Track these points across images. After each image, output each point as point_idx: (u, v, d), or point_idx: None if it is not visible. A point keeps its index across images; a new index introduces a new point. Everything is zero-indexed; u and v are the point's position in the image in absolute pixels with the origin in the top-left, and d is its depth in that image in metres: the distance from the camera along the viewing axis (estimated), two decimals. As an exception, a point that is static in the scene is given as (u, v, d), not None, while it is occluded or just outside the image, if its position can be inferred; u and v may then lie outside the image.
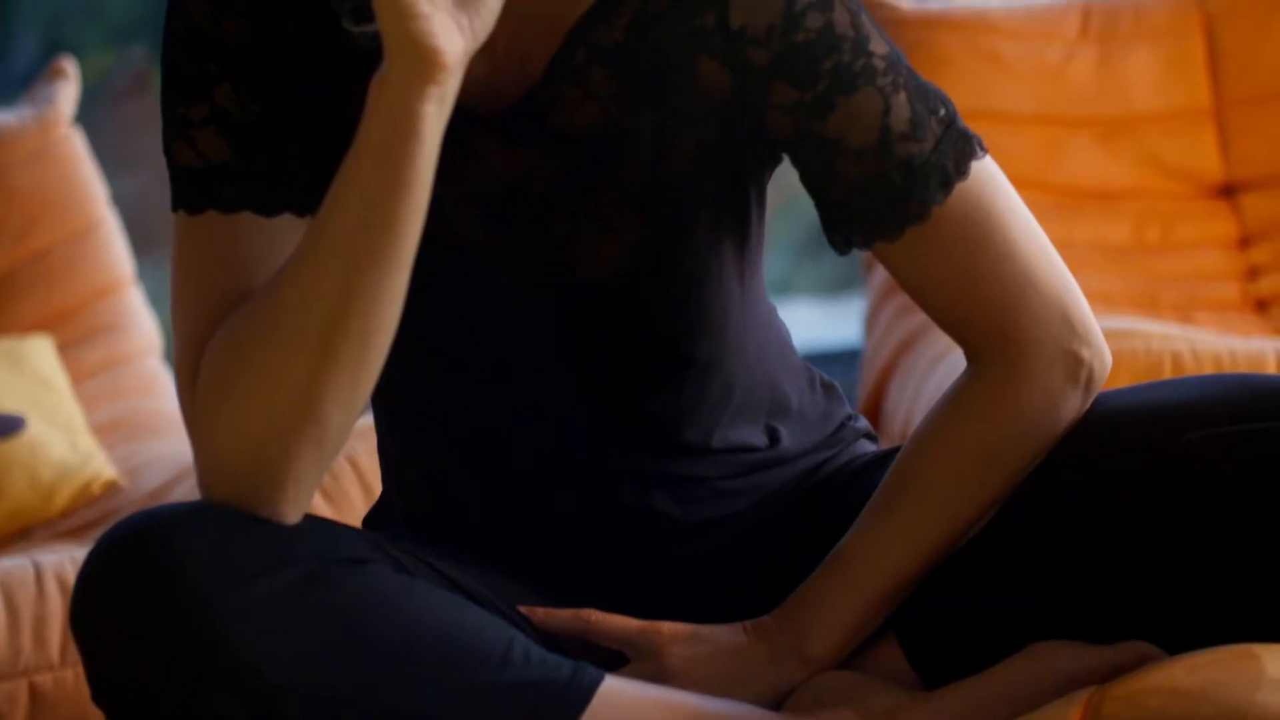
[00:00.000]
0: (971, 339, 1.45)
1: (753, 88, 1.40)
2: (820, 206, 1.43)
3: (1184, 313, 2.97)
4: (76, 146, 2.98)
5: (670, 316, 1.46)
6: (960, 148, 1.40)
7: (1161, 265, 3.07)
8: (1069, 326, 1.43)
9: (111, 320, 2.94)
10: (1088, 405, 1.45)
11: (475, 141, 1.42)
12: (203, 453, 1.35)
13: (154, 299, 3.11)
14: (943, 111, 1.41)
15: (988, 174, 1.42)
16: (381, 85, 1.27)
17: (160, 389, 2.90)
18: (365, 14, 1.33)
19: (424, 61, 1.26)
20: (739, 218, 1.46)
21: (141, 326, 2.97)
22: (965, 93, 3.10)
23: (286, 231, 1.40)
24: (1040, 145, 3.14)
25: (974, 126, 3.33)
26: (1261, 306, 3.01)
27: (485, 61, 1.38)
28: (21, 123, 2.95)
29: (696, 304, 1.45)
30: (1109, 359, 1.46)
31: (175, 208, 1.40)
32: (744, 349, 1.50)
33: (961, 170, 1.40)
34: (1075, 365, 1.44)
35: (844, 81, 1.38)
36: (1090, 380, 1.45)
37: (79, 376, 2.86)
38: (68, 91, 3.00)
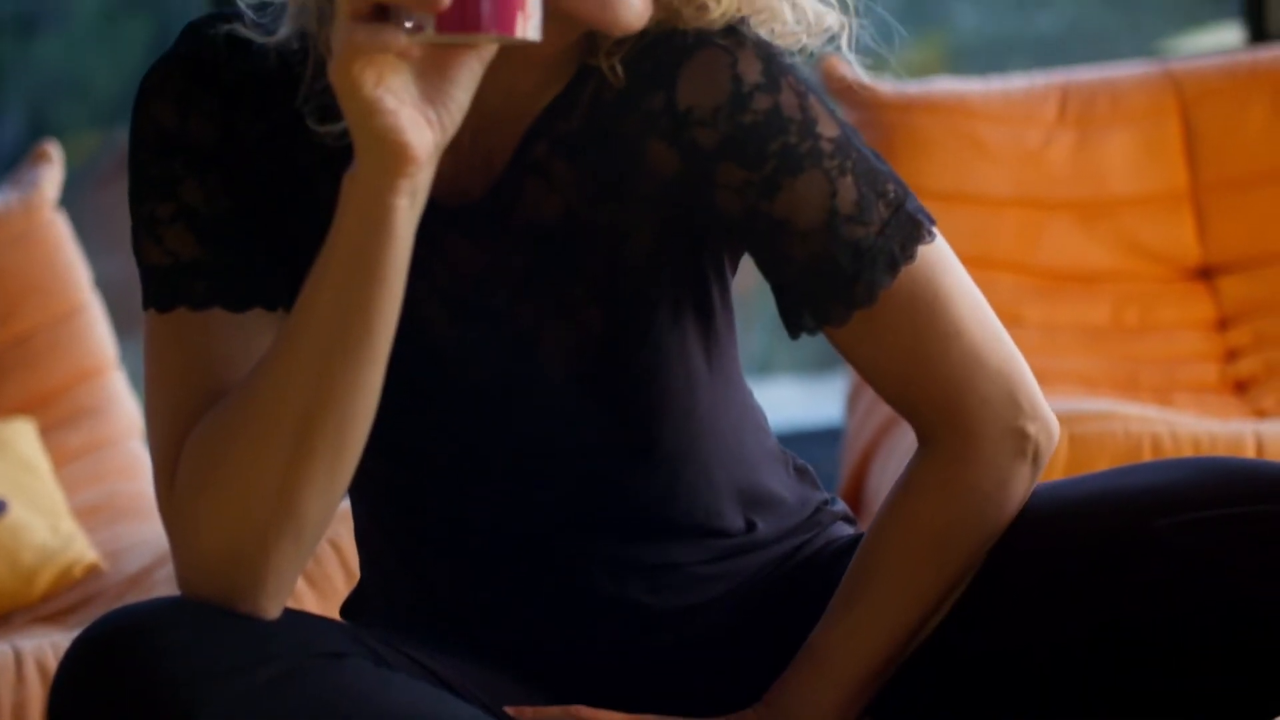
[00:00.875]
0: (922, 419, 1.46)
1: (701, 168, 1.41)
2: (774, 289, 1.44)
3: (1163, 394, 2.98)
4: (61, 230, 2.99)
5: (636, 403, 1.46)
6: (908, 231, 1.41)
7: (1141, 347, 3.09)
8: (1015, 404, 1.44)
9: (94, 403, 2.94)
10: (1037, 478, 1.47)
11: (441, 236, 1.42)
12: (181, 549, 1.35)
13: (136, 380, 3.11)
14: (892, 194, 1.41)
15: (936, 255, 1.42)
16: (353, 182, 1.27)
17: (142, 472, 2.90)
18: (331, 112, 1.34)
19: (394, 156, 1.25)
20: (701, 300, 1.46)
21: (124, 409, 2.98)
22: (945, 175, 3.12)
23: (258, 327, 1.39)
24: (1020, 228, 3.16)
25: (954, 209, 3.37)
26: (1240, 388, 3.02)
27: (450, 157, 1.38)
28: (6, 206, 2.96)
29: (661, 388, 1.45)
30: (1056, 430, 1.47)
31: (146, 306, 1.40)
32: (717, 433, 1.50)
33: (908, 253, 1.40)
34: (1022, 441, 1.45)
35: (790, 163, 1.39)
36: (1038, 454, 1.46)
37: (61, 459, 2.86)
38: (52, 175, 3.01)
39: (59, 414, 2.91)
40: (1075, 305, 3.13)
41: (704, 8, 1.39)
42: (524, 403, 1.46)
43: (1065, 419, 2.60)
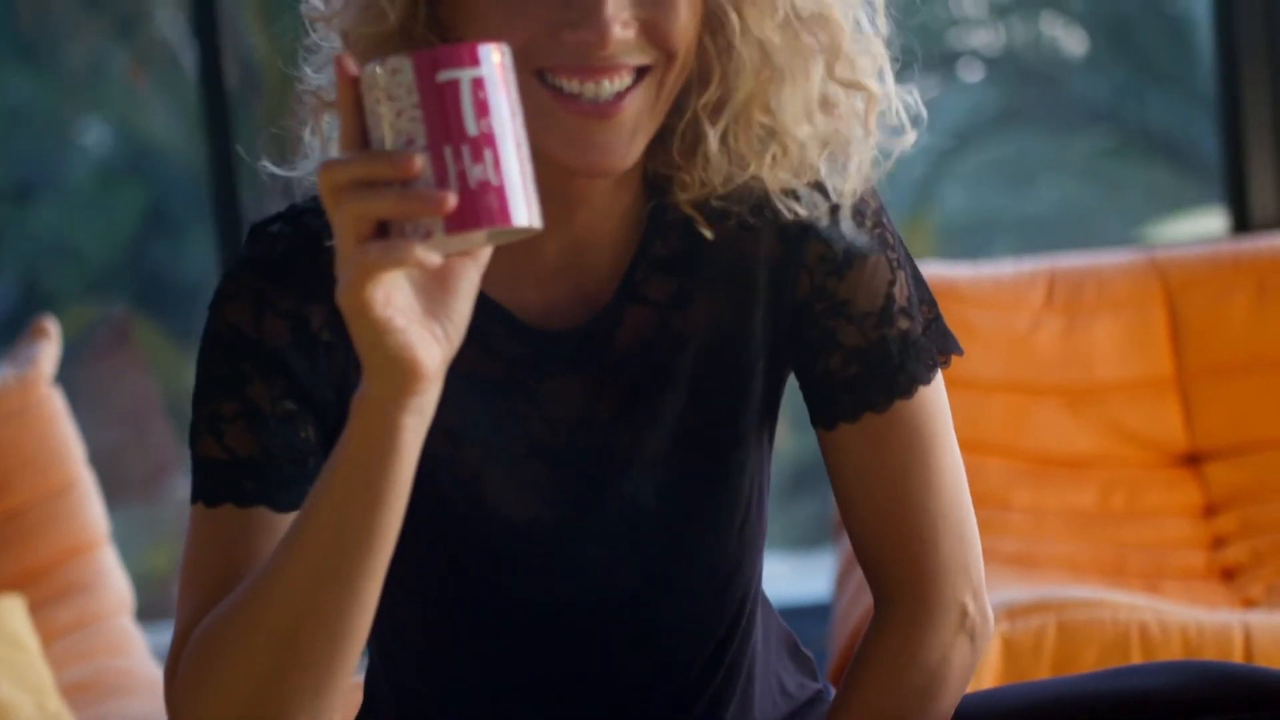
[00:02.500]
0: (882, 571, 1.49)
1: (792, 249, 1.46)
2: (814, 379, 1.48)
3: (1151, 581, 2.98)
4: (56, 406, 3.00)
5: (718, 547, 1.49)
6: (943, 338, 1.48)
7: (1128, 533, 3.09)
8: (966, 575, 1.49)
9: (84, 579, 2.94)
10: (976, 661, 1.50)
11: (537, 382, 1.45)
12: None
13: (123, 548, 3.11)
14: (931, 301, 1.49)
15: (942, 394, 1.49)
16: (361, 401, 1.25)
17: (131, 648, 2.89)
18: None
19: (405, 375, 1.23)
20: (770, 434, 1.51)
21: (114, 585, 2.97)
22: (933, 359, 3.15)
23: None
24: (1008, 412, 3.17)
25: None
26: (1227, 575, 3.03)
27: (538, 293, 1.43)
28: (3, 382, 2.97)
29: (743, 524, 1.49)
30: (991, 620, 1.51)
31: (194, 500, 1.41)
32: (759, 578, 1.54)
33: (944, 358, 1.48)
34: (964, 617, 1.49)
35: (862, 246, 1.46)
36: (974, 634, 1.50)
37: (50, 635, 2.85)
38: (49, 351, 3.03)
39: (49, 590, 2.91)
40: (1063, 490, 3.14)
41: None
42: (602, 542, 1.48)
43: (1053, 606, 2.60)
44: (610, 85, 1.35)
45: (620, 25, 1.34)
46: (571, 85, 1.35)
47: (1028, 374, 3.18)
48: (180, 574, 1.41)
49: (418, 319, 1.23)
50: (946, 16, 4.67)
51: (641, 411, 1.46)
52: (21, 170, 4.69)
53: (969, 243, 4.80)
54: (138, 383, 4.46)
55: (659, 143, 1.43)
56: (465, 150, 1.20)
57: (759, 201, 1.44)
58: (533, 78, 1.34)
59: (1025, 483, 3.13)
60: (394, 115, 1.20)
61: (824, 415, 1.48)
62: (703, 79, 1.40)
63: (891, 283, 1.46)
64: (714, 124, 1.40)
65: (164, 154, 4.80)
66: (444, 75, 1.20)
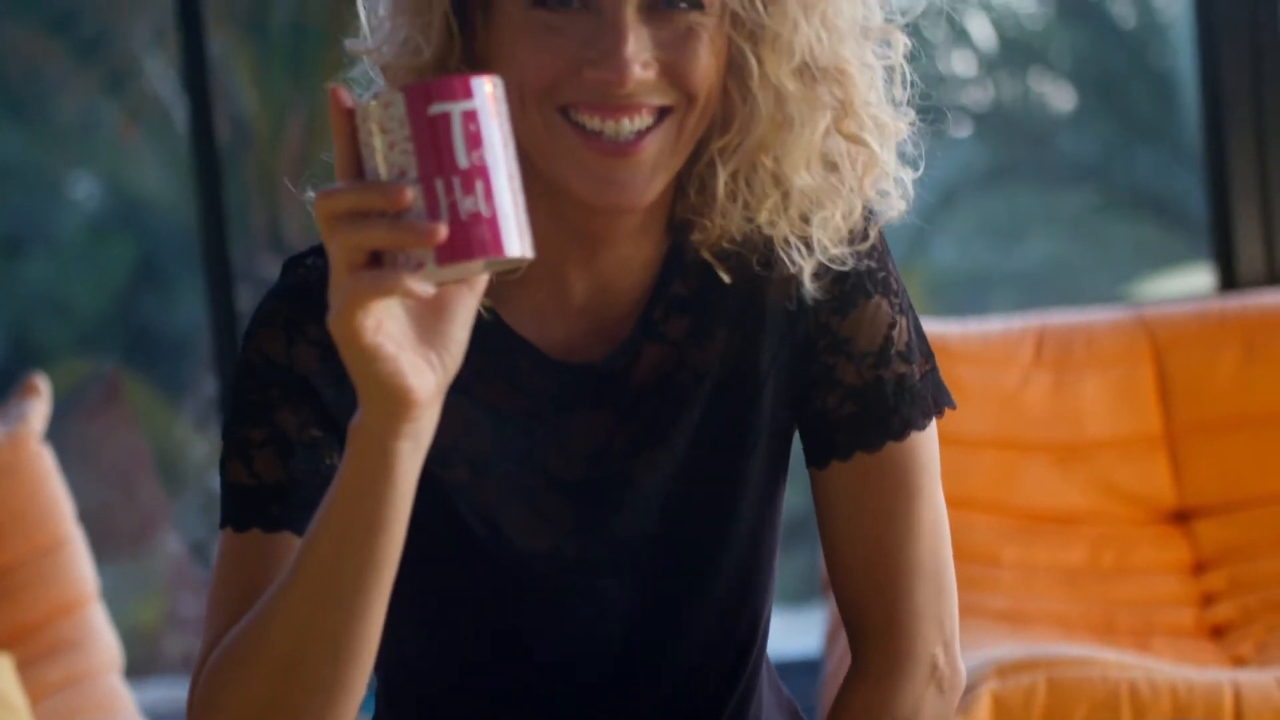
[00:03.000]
0: (861, 619, 1.51)
1: (801, 289, 1.48)
2: (811, 416, 1.51)
3: (1140, 638, 2.98)
4: (46, 463, 3.01)
5: (724, 578, 1.51)
6: (938, 390, 1.51)
7: (1117, 590, 3.09)
8: (940, 628, 1.51)
9: (73, 636, 2.93)
10: (946, 712, 1.52)
11: (557, 418, 1.48)
12: None
13: (112, 603, 3.11)
14: (930, 353, 1.52)
15: (933, 445, 1.51)
16: (356, 429, 1.27)
17: (120, 706, 2.89)
18: None
19: (396, 402, 1.24)
20: (780, 480, 1.54)
21: (103, 643, 2.97)
22: (923, 416, 3.15)
23: None
24: (997, 468, 3.18)
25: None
26: (1217, 633, 3.02)
27: (563, 329, 1.46)
28: (-7, 439, 2.98)
29: (751, 562, 1.52)
30: (963, 675, 1.53)
31: (223, 524, 1.44)
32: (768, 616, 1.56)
33: (939, 408, 1.51)
34: (934, 668, 1.51)
35: (866, 286, 1.49)
36: (944, 686, 1.51)
37: (38, 694, 2.85)
38: (40, 409, 3.03)
39: (38, 648, 2.90)
40: (1052, 546, 3.14)
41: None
42: (614, 574, 1.50)
43: (1043, 663, 2.60)
44: (630, 124, 1.38)
45: (640, 65, 1.37)
46: (593, 123, 1.38)
47: (1017, 430, 3.19)
48: (208, 595, 1.44)
49: (410, 346, 1.24)
50: (935, 73, 4.69)
51: (657, 442, 1.49)
52: (11, 224, 4.69)
53: (958, 297, 4.81)
54: (127, 439, 4.46)
55: (681, 187, 1.47)
56: (456, 182, 1.21)
57: (770, 248, 1.47)
58: (556, 114, 1.39)
59: (1014, 539, 3.13)
60: (387, 147, 1.21)
61: (818, 453, 1.51)
62: (724, 124, 1.43)
63: (892, 325, 1.50)
64: (724, 168, 1.44)
65: (154, 208, 4.81)
66: (435, 108, 1.21)
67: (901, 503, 1.49)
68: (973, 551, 3.08)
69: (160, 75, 4.62)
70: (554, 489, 1.49)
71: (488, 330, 1.44)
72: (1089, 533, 3.16)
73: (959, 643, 1.52)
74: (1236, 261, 3.49)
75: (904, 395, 1.49)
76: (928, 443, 1.50)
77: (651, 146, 1.39)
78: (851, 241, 1.47)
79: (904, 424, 1.48)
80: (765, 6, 1.40)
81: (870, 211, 1.48)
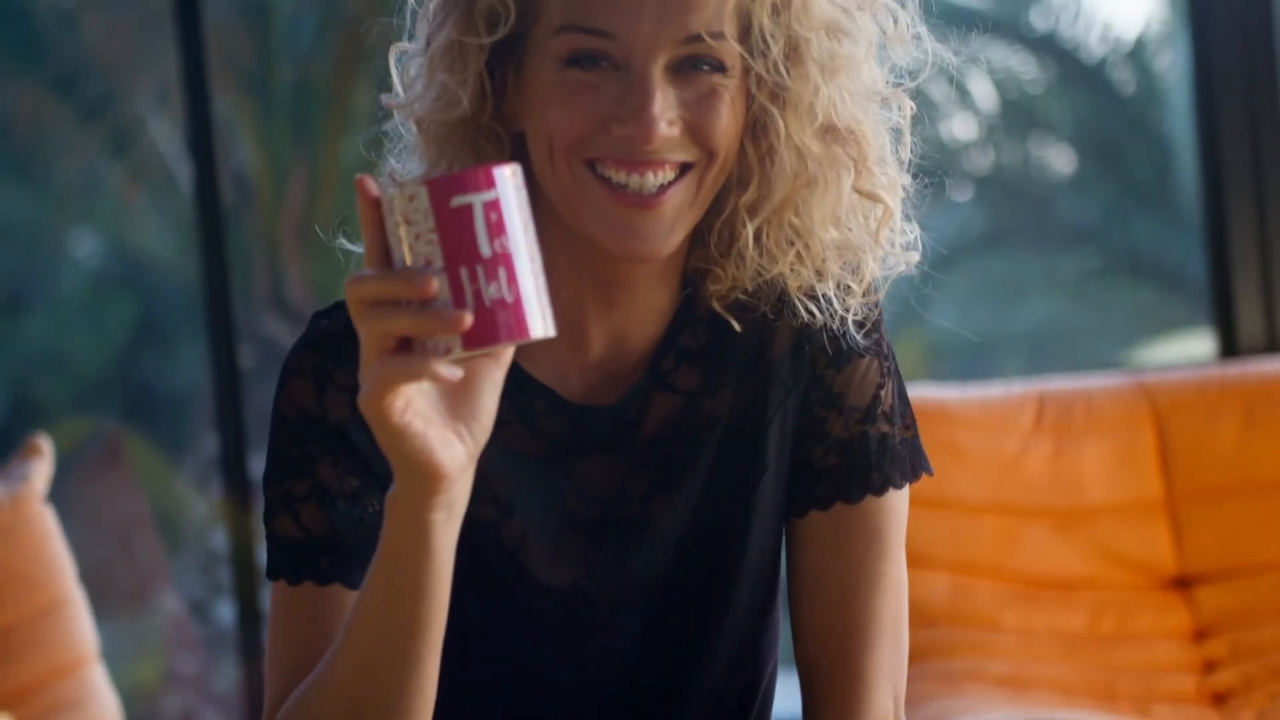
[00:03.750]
0: (821, 673, 1.55)
1: (802, 344, 1.56)
2: (797, 465, 1.57)
3: (1141, 705, 2.97)
4: (48, 524, 3.01)
5: (739, 614, 1.56)
6: (918, 455, 1.58)
7: (1118, 656, 3.09)
8: (893, 683, 1.55)
9: (73, 697, 2.93)
10: None
11: (573, 463, 1.54)
12: None
13: (111, 661, 3.10)
14: (913, 422, 1.59)
15: (906, 504, 1.57)
16: (393, 500, 1.32)
17: (119, 766, 2.89)
18: None
19: (426, 476, 1.29)
20: (779, 533, 1.58)
21: (103, 703, 2.96)
22: (924, 481, 3.13)
23: None
24: (997, 534, 3.18)
25: (933, 514, 3.38)
26: (1218, 700, 3.02)
27: (580, 382, 1.53)
28: (-5, 499, 2.98)
29: (758, 605, 1.57)
30: None
31: (275, 577, 1.49)
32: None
33: (916, 473, 1.57)
34: None
35: (860, 346, 1.56)
36: None
37: (39, 754, 2.85)
38: (42, 469, 3.04)
39: (38, 708, 2.90)
40: (1052, 612, 3.14)
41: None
42: (628, 612, 1.55)
43: (1045, 730, 2.60)
44: (654, 178, 1.46)
45: (666, 123, 1.45)
46: (619, 176, 1.46)
47: (1017, 496, 3.19)
48: (268, 646, 1.50)
49: (439, 421, 1.29)
50: (935, 137, 4.71)
51: (671, 487, 1.55)
52: (12, 282, 4.70)
53: (957, 361, 4.82)
54: (127, 498, 4.46)
55: (698, 239, 1.54)
56: (480, 270, 1.25)
57: (779, 300, 1.54)
58: (584, 167, 1.46)
59: (1015, 604, 3.13)
60: (412, 238, 1.26)
61: (799, 502, 1.57)
62: (742, 180, 1.51)
63: (880, 386, 1.57)
64: (750, 222, 1.51)
65: (155, 266, 4.82)
66: (458, 200, 1.25)
67: (872, 557, 1.55)
68: (973, 616, 3.08)
69: (163, 135, 4.64)
70: (573, 528, 1.54)
71: (508, 377, 1.46)
72: (1090, 598, 3.15)
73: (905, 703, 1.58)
74: (1237, 328, 3.50)
75: (885, 454, 1.56)
76: (900, 503, 1.56)
77: (673, 200, 1.46)
78: (865, 294, 1.54)
79: (884, 481, 1.55)
80: (788, 71, 1.47)
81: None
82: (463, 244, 1.25)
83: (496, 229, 1.25)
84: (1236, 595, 3.14)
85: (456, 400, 1.30)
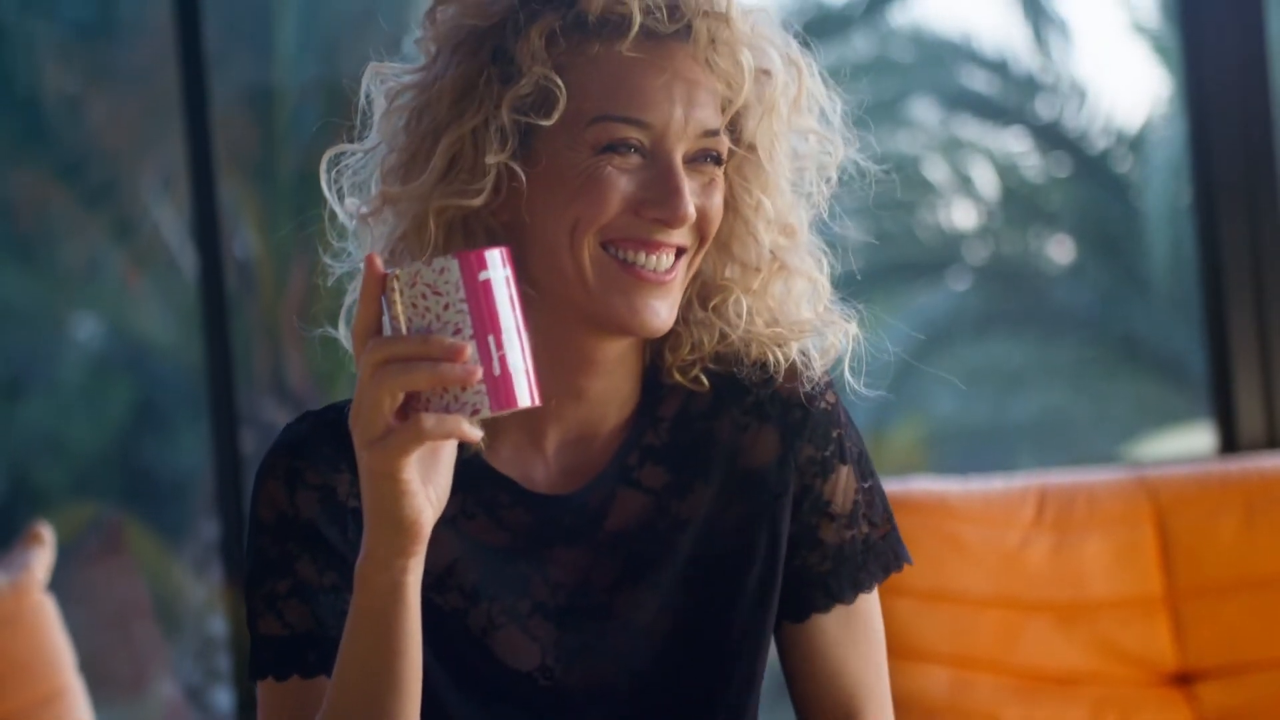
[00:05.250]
0: None
1: (789, 447, 1.62)
2: (789, 573, 1.63)
3: (1143, 802, 2.97)
4: (49, 613, 3.00)
5: (719, 716, 1.59)
6: (896, 548, 1.66)
7: (1119, 752, 3.09)
8: None
9: (71, 787, 2.92)
10: None
11: (540, 554, 1.57)
12: None
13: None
14: (889, 516, 1.66)
15: (878, 603, 1.65)
16: (366, 562, 1.39)
17: None
18: None
19: (408, 534, 1.38)
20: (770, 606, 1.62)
21: (101, 793, 2.96)
22: (925, 574, 3.15)
23: None
24: (998, 628, 3.17)
25: (934, 607, 3.37)
26: (1220, 797, 3.02)
27: (544, 473, 1.57)
28: (-4, 587, 2.98)
29: (741, 706, 1.60)
30: None
31: (262, 676, 1.53)
32: None
33: (897, 564, 1.65)
34: None
35: (841, 452, 1.64)
36: None
37: (35, 846, 2.83)
38: (43, 558, 3.03)
39: (37, 798, 2.89)
40: (1053, 707, 3.13)
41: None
42: (600, 701, 1.58)
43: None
44: (666, 259, 1.55)
45: (693, 208, 1.55)
46: (637, 257, 1.54)
47: (1018, 590, 3.19)
48: None
49: (421, 485, 1.38)
50: (935, 225, 4.72)
51: (638, 580, 1.59)
52: (12, 366, 4.71)
53: (957, 448, 4.82)
54: (127, 586, 4.46)
55: None
56: (502, 339, 1.38)
57: (734, 385, 1.61)
58: (600, 249, 1.54)
59: (1016, 700, 3.12)
60: (441, 307, 1.38)
61: (795, 608, 1.63)
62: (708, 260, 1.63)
63: (858, 490, 1.64)
64: (715, 294, 1.62)
65: (155, 351, 4.83)
66: (484, 275, 1.38)
67: (874, 645, 1.64)
68: (974, 711, 3.07)
69: (167, 222, 4.66)
70: (539, 613, 1.58)
71: (471, 469, 1.56)
72: (1091, 694, 3.15)
73: None
74: (1237, 423, 3.50)
75: (870, 553, 1.64)
76: (877, 591, 1.66)
77: (676, 278, 1.56)
78: (821, 357, 1.61)
79: (871, 579, 1.64)
80: (749, 179, 1.59)
81: (830, 380, 1.63)
82: (490, 314, 1.38)
83: (512, 302, 1.39)
84: (1238, 692, 3.13)
85: (428, 468, 1.39)
